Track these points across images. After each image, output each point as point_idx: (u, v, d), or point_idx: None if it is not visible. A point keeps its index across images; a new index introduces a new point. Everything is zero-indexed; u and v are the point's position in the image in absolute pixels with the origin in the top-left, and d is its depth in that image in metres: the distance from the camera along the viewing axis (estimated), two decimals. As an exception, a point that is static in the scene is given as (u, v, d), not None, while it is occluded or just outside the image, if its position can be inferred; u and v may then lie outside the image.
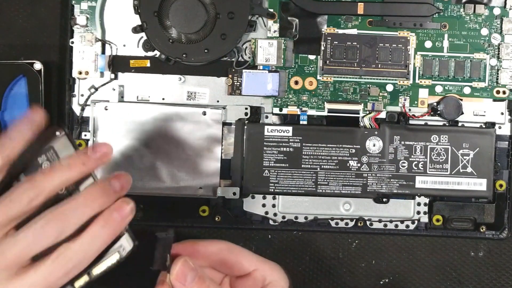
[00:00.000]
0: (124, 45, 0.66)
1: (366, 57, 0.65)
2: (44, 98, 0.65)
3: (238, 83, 0.64)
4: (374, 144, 0.65)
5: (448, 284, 0.69)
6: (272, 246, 0.69)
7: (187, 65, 0.65)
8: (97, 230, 0.45)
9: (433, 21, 0.65)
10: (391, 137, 0.65)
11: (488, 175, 0.65)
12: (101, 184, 0.45)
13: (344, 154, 0.65)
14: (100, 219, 0.45)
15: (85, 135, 0.65)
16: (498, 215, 0.67)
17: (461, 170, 0.65)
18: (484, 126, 0.66)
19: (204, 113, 0.65)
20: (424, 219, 0.67)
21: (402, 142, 0.65)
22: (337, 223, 0.67)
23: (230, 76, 0.65)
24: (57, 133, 0.46)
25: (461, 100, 0.65)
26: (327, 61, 0.65)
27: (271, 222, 0.67)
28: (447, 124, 0.66)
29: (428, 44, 0.65)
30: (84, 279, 0.45)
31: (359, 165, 0.65)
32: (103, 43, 0.65)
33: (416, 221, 0.67)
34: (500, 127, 0.66)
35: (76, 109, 0.66)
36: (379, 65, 0.65)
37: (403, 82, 0.66)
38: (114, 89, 0.65)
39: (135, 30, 0.63)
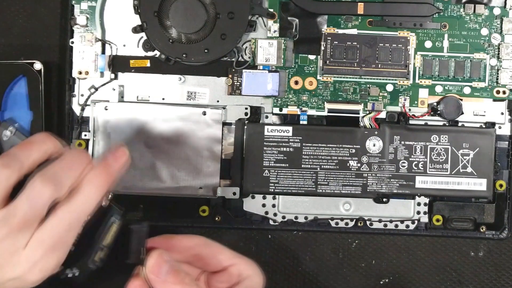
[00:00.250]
0: (124, 45, 0.66)
1: (366, 57, 0.65)
2: (44, 98, 0.65)
3: (238, 83, 0.64)
4: (374, 144, 0.65)
5: (448, 284, 0.69)
6: (272, 246, 0.69)
7: (187, 65, 0.65)
8: (95, 173, 0.46)
9: (433, 21, 0.65)
10: (391, 137, 0.65)
11: (488, 175, 0.65)
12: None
13: (344, 154, 0.65)
14: (97, 164, 0.47)
15: (85, 135, 0.65)
16: (498, 215, 0.67)
17: (461, 170, 0.65)
18: (484, 126, 0.66)
19: (204, 113, 0.65)
20: (424, 219, 0.67)
21: (402, 142, 0.65)
22: (337, 223, 0.67)
23: (230, 76, 0.65)
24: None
25: (461, 100, 0.65)
26: (327, 61, 0.65)
27: (271, 222, 0.67)
28: (447, 124, 0.66)
29: (428, 44, 0.65)
30: (99, 254, 0.48)
31: (359, 165, 0.65)
32: (103, 43, 0.65)
33: (416, 221, 0.67)
34: (500, 127, 0.66)
35: (76, 109, 0.66)
36: (379, 65, 0.65)
37: (403, 82, 0.66)
38: (114, 89, 0.65)
39: (135, 30, 0.63)
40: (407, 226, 0.67)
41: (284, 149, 0.65)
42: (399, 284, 0.69)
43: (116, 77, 0.66)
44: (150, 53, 0.65)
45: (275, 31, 0.65)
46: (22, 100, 0.65)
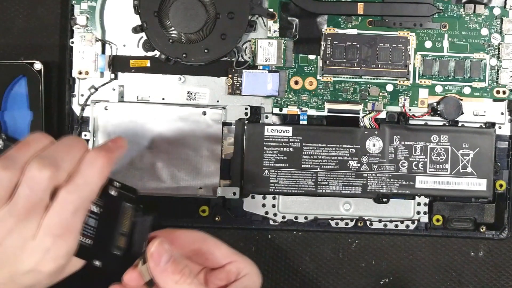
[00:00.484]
0: (124, 45, 0.66)
1: (366, 57, 0.65)
2: (44, 98, 0.65)
3: (238, 83, 0.64)
4: (374, 144, 0.65)
5: (448, 284, 0.69)
6: (272, 246, 0.69)
7: (187, 65, 0.65)
8: (93, 154, 0.46)
9: (433, 21, 0.65)
10: (391, 137, 0.65)
11: (488, 175, 0.65)
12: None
13: (344, 154, 0.65)
14: (94, 148, 0.47)
15: (85, 135, 0.65)
16: (498, 215, 0.67)
17: (461, 170, 0.65)
18: (484, 126, 0.66)
19: (204, 113, 0.65)
20: (424, 219, 0.67)
21: (402, 142, 0.65)
22: (337, 223, 0.67)
23: (230, 76, 0.65)
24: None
25: (461, 100, 0.65)
26: (327, 61, 0.65)
27: (271, 222, 0.67)
28: (447, 124, 0.66)
29: (428, 44, 0.65)
30: (121, 239, 0.48)
31: (359, 165, 0.65)
32: (103, 43, 0.65)
33: (416, 221, 0.67)
34: (500, 127, 0.66)
35: (76, 109, 0.66)
36: (379, 65, 0.65)
37: (403, 82, 0.66)
38: (114, 89, 0.65)
39: (135, 30, 0.63)
40: (407, 226, 0.67)
41: (284, 149, 0.65)
42: (399, 284, 0.69)
43: (116, 77, 0.66)
44: (150, 53, 0.65)
45: (275, 31, 0.65)
46: (22, 100, 0.65)
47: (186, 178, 0.65)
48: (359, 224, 0.67)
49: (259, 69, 0.65)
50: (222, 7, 0.62)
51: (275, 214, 0.67)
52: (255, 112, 0.66)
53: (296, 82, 0.66)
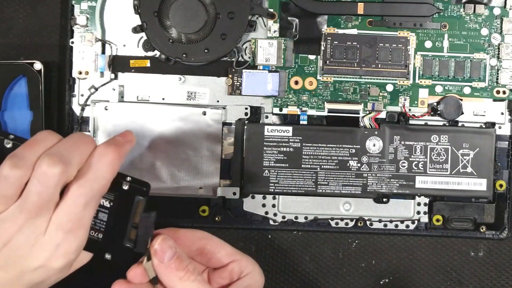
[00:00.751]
0: (124, 45, 0.66)
1: (366, 57, 0.65)
2: (44, 98, 0.65)
3: (238, 83, 0.64)
4: (374, 144, 0.65)
5: (448, 284, 0.69)
6: (272, 246, 0.69)
7: (187, 65, 0.65)
8: (102, 148, 0.46)
9: (433, 21, 0.65)
10: (391, 137, 0.65)
11: (488, 175, 0.65)
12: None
13: (344, 154, 0.65)
14: (103, 142, 0.47)
15: (85, 135, 0.65)
16: (498, 215, 0.67)
17: (461, 170, 0.65)
18: (484, 126, 0.66)
19: (204, 113, 0.65)
20: (424, 219, 0.67)
21: (402, 142, 0.65)
22: (337, 223, 0.67)
23: (230, 76, 0.65)
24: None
25: (461, 100, 0.65)
26: (327, 61, 0.65)
27: (271, 222, 0.67)
28: (447, 124, 0.66)
29: (428, 44, 0.65)
30: (133, 232, 0.49)
31: (359, 165, 0.65)
32: (103, 43, 0.65)
33: (416, 221, 0.67)
34: (500, 127, 0.66)
35: (76, 109, 0.66)
36: (379, 65, 0.65)
37: (403, 82, 0.66)
38: (114, 89, 0.65)
39: (135, 30, 0.63)
40: (407, 226, 0.67)
41: (284, 149, 0.65)
42: (399, 284, 0.69)
43: (116, 77, 0.66)
44: (150, 53, 0.65)
45: (275, 31, 0.65)
46: (22, 100, 0.65)
47: (186, 178, 0.65)
48: (359, 224, 0.67)
49: (259, 69, 0.65)
50: (222, 7, 0.62)
51: (275, 214, 0.67)
52: (255, 112, 0.66)
53: (296, 82, 0.66)
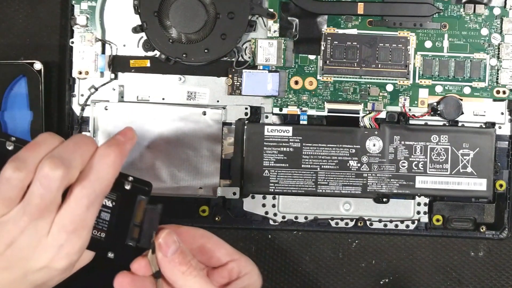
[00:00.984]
0: (124, 45, 0.66)
1: (366, 57, 0.65)
2: (44, 98, 0.65)
3: (238, 83, 0.64)
4: (374, 144, 0.65)
5: (448, 284, 0.69)
6: (272, 246, 0.69)
7: (187, 65, 0.65)
8: (103, 149, 0.46)
9: (433, 21, 0.65)
10: (391, 137, 0.65)
11: (488, 175, 0.65)
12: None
13: (344, 154, 0.65)
14: (104, 143, 0.47)
15: (85, 135, 0.65)
16: (498, 215, 0.67)
17: (461, 170, 0.65)
18: (484, 126, 0.66)
19: (204, 113, 0.65)
20: (424, 219, 0.67)
21: (402, 142, 0.65)
22: (337, 223, 0.67)
23: (230, 76, 0.65)
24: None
25: (461, 100, 0.65)
26: (327, 61, 0.65)
27: (271, 222, 0.67)
28: (447, 124, 0.66)
29: (428, 44, 0.65)
30: (136, 231, 0.49)
31: (359, 165, 0.65)
32: (103, 43, 0.65)
33: (416, 221, 0.67)
34: (500, 127, 0.66)
35: (76, 109, 0.66)
36: (379, 65, 0.65)
37: (403, 82, 0.66)
38: (114, 89, 0.65)
39: (135, 30, 0.63)
40: (407, 226, 0.67)
41: (284, 149, 0.65)
42: (399, 284, 0.69)
43: (116, 77, 0.66)
44: (150, 53, 0.65)
45: (275, 31, 0.65)
46: (22, 100, 0.65)
47: (186, 178, 0.65)
48: (359, 224, 0.67)
49: (259, 69, 0.65)
50: (222, 7, 0.62)
51: (275, 214, 0.67)
52: (255, 112, 0.66)
53: (296, 82, 0.66)
